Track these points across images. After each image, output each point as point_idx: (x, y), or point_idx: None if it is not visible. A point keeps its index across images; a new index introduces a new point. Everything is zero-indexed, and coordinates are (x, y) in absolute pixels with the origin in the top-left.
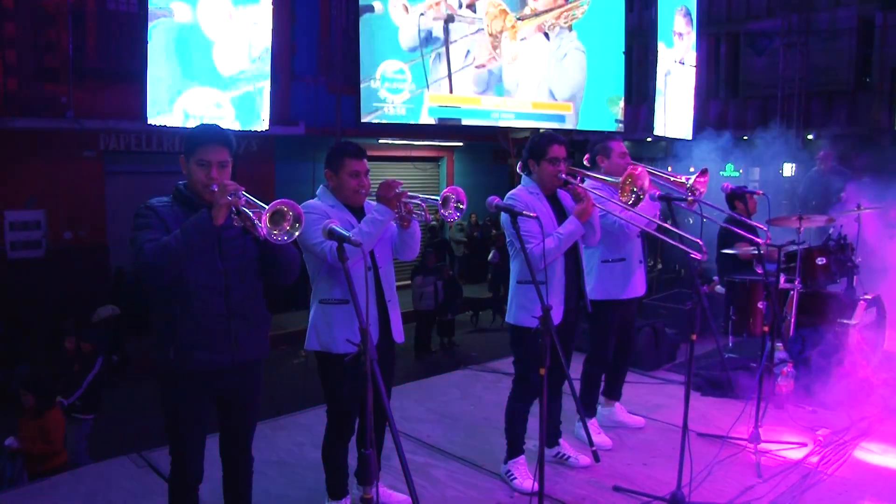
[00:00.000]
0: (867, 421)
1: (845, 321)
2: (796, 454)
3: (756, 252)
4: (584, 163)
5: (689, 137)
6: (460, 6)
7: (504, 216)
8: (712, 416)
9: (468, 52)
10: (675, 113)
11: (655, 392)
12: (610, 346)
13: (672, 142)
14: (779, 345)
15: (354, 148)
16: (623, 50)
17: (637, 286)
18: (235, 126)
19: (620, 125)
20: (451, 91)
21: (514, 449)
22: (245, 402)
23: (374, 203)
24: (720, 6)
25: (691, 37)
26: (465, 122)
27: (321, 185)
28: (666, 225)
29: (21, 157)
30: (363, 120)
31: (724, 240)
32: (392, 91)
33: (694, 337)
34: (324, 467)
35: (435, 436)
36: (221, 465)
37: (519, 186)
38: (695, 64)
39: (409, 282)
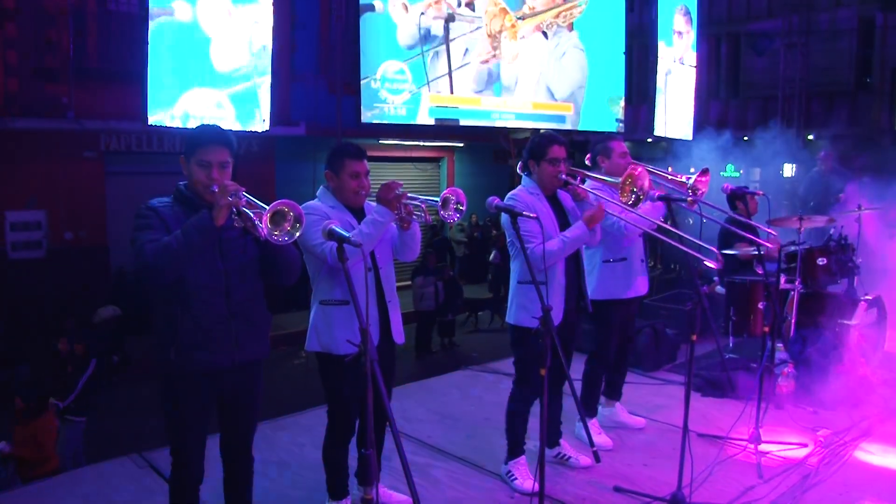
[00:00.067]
0: (868, 421)
1: (846, 321)
2: (797, 454)
3: (756, 252)
4: (586, 163)
5: (690, 138)
6: (459, 4)
7: (504, 217)
8: (713, 417)
9: (467, 50)
10: (675, 113)
11: (656, 392)
12: (612, 346)
13: (672, 142)
14: (779, 345)
15: (355, 149)
16: (623, 50)
17: (639, 285)
18: (236, 126)
19: (621, 125)
20: (451, 90)
21: (515, 449)
22: (245, 403)
23: (375, 204)
24: (721, 6)
25: (691, 36)
26: (465, 122)
27: (321, 186)
28: (666, 226)
29: (22, 157)
30: (363, 120)
31: (724, 240)
32: (392, 92)
33: (694, 337)
34: (324, 468)
35: (435, 436)
36: (222, 466)
37: (519, 187)
38: (695, 64)
39: (409, 282)
